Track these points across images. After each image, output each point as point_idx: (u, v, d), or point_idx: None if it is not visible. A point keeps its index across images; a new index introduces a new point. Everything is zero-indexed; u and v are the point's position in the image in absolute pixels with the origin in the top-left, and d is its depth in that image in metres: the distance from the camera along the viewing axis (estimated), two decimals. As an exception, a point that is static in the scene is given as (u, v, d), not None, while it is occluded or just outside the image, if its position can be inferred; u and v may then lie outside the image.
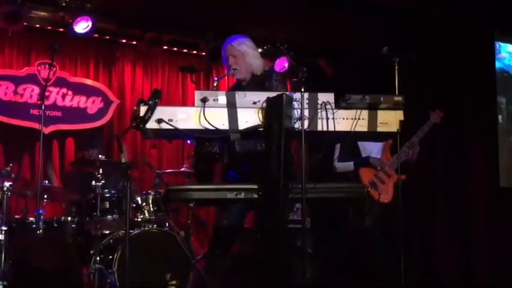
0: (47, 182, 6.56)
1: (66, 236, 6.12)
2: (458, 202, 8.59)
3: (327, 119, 4.07)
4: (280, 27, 8.64)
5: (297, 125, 4.02)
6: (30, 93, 7.91)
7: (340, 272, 3.31)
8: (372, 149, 6.50)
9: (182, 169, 7.27)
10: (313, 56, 9.43)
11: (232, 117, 4.07)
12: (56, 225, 6.27)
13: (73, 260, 2.89)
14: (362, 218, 6.28)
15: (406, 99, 4.26)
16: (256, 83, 4.87)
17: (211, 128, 4.02)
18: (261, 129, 4.06)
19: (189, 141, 5.02)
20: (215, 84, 4.96)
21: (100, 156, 6.53)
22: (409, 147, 6.47)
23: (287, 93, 4.05)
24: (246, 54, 4.92)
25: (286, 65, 9.07)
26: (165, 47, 8.56)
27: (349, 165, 6.50)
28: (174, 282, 5.90)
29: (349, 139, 5.18)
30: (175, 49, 8.87)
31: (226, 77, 5.90)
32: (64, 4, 7.72)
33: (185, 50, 8.91)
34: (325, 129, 4.07)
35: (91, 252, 6.09)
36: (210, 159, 4.84)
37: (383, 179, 6.41)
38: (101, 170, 6.22)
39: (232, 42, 4.98)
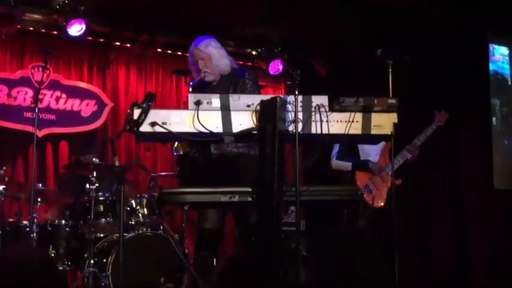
0: (40, 185, 6.55)
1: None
2: (453, 204, 8.61)
3: (321, 121, 4.06)
4: (273, 27, 8.65)
5: (291, 128, 4.01)
6: (23, 96, 7.89)
7: (334, 274, 3.31)
8: (371, 151, 6.49)
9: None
10: (307, 57, 9.44)
11: (226, 120, 4.06)
12: (49, 228, 6.25)
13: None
14: (356, 220, 6.28)
15: (400, 101, 4.26)
16: (226, 82, 4.89)
17: (205, 131, 4.01)
18: (255, 132, 4.05)
19: (175, 153, 4.99)
20: (190, 90, 4.95)
21: (94, 159, 6.52)
22: (409, 150, 6.46)
23: (281, 96, 4.04)
24: (213, 56, 4.93)
25: (281, 68, 9.08)
26: (159, 50, 8.56)
27: (347, 165, 6.49)
28: (168, 285, 5.89)
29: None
30: (169, 51, 8.86)
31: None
32: (58, 7, 7.72)
33: (179, 53, 8.89)
34: (319, 132, 4.06)
35: (85, 255, 6.08)
36: (194, 165, 4.86)
37: (378, 184, 6.40)
38: (94, 173, 6.21)
39: (198, 45, 4.98)
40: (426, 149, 6.70)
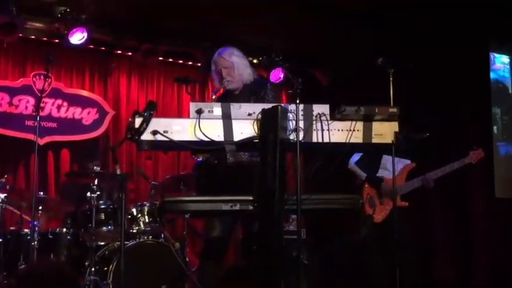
0: (41, 193, 6.55)
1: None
2: (457, 213, 8.60)
3: (322, 130, 4.06)
4: (275, 37, 8.67)
5: (292, 137, 4.01)
6: (25, 104, 7.91)
7: (336, 281, 3.32)
8: (390, 167, 6.45)
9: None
10: (308, 66, 9.47)
11: (228, 129, 4.06)
12: (51, 236, 6.25)
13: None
14: (358, 228, 6.28)
15: (401, 110, 4.27)
16: (248, 92, 4.92)
17: (207, 139, 4.02)
18: (256, 140, 4.05)
19: (196, 158, 5.02)
20: (213, 97, 4.97)
21: (95, 167, 6.53)
22: (423, 181, 6.42)
23: (282, 104, 4.05)
24: (237, 64, 4.97)
25: (282, 76, 9.10)
26: (160, 58, 8.58)
27: (362, 175, 6.51)
28: (169, 293, 5.89)
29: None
30: (170, 60, 8.89)
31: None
32: (59, 15, 7.74)
33: (181, 61, 8.93)
34: (320, 140, 4.07)
35: (86, 263, 6.08)
36: (210, 171, 4.88)
37: (383, 201, 6.38)
38: (96, 181, 6.21)
39: (223, 54, 5.03)
40: (427, 159, 6.67)
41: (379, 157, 6.41)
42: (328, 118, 4.11)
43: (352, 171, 6.58)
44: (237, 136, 4.06)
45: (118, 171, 4.33)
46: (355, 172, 6.55)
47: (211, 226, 4.91)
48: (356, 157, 6.54)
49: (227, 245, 5.00)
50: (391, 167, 6.42)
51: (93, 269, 5.93)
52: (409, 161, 6.44)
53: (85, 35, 7.74)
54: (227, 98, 4.85)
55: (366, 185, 6.45)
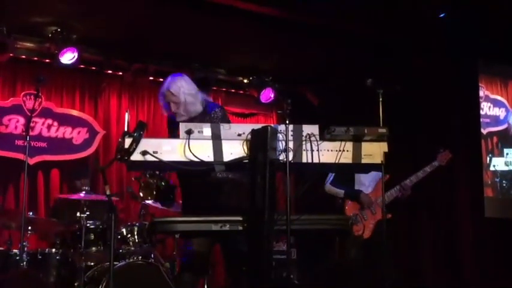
0: (31, 213, 6.52)
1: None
2: (445, 232, 8.62)
3: (312, 150, 4.08)
4: (265, 57, 8.72)
5: (282, 157, 4.02)
6: (15, 123, 7.89)
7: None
8: (366, 180, 6.49)
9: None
10: (299, 86, 9.51)
11: (217, 149, 4.08)
12: (40, 257, 6.21)
13: None
14: (347, 249, 6.29)
15: (390, 130, 4.29)
16: (197, 120, 4.78)
17: (196, 159, 4.02)
18: (246, 160, 4.06)
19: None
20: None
21: (85, 187, 6.52)
22: (400, 190, 6.48)
23: (272, 125, 4.07)
24: (184, 101, 4.84)
25: (272, 96, 9.14)
26: (150, 78, 8.59)
27: (340, 192, 6.51)
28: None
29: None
30: (161, 79, 8.84)
31: None
32: (50, 35, 7.75)
33: (171, 81, 8.93)
34: (309, 161, 4.08)
35: (76, 284, 6.03)
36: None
37: (366, 216, 6.42)
38: (86, 201, 6.20)
39: (171, 88, 4.89)
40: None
41: (352, 173, 6.43)
42: (318, 138, 4.13)
43: (330, 193, 6.57)
44: (227, 156, 4.08)
45: (108, 192, 4.33)
46: (333, 193, 6.55)
47: (190, 241, 4.87)
48: (330, 177, 6.56)
49: (208, 259, 4.96)
50: (366, 181, 6.50)
51: (82, 290, 5.90)
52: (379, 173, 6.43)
53: (75, 54, 7.75)
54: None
55: (347, 205, 6.46)
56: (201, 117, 4.81)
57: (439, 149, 6.70)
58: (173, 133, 4.71)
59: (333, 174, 6.48)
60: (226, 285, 7.69)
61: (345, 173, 6.37)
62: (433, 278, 8.42)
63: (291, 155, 4.03)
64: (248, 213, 4.03)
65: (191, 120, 4.83)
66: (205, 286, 7.31)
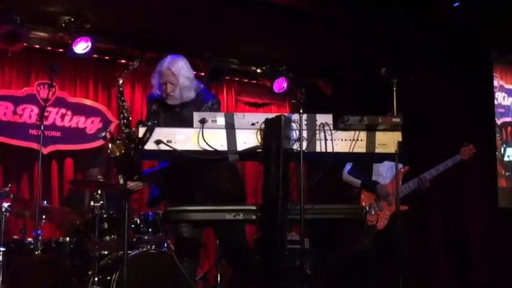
0: (45, 202, 6.55)
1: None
2: (458, 222, 8.60)
3: (325, 140, 4.07)
4: (278, 47, 8.69)
5: (296, 146, 4.02)
6: (29, 113, 7.93)
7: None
8: (383, 171, 6.45)
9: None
10: (311, 76, 9.49)
11: (231, 138, 4.07)
12: (54, 245, 6.24)
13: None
14: (361, 239, 6.27)
15: (407, 120, 4.27)
16: (189, 108, 4.74)
17: (210, 149, 4.02)
18: (260, 150, 4.06)
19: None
20: (154, 107, 4.94)
21: (99, 176, 6.53)
22: (418, 182, 6.42)
23: (285, 114, 4.06)
24: (181, 85, 4.81)
25: (285, 86, 9.12)
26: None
27: (357, 182, 6.48)
28: (172, 303, 5.87)
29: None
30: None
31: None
32: (63, 25, 7.77)
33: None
34: (323, 150, 4.07)
35: (89, 273, 6.06)
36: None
37: (382, 206, 6.38)
38: (99, 190, 6.21)
39: (172, 68, 4.85)
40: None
41: (370, 163, 6.39)
42: (332, 128, 4.12)
43: (347, 182, 6.55)
44: (241, 146, 4.08)
45: (121, 181, 4.34)
46: (351, 182, 6.52)
47: (180, 226, 4.86)
48: (348, 166, 6.53)
49: (199, 244, 5.02)
50: (383, 172, 6.46)
51: (96, 279, 5.91)
52: (401, 165, 6.39)
53: (89, 44, 7.77)
54: (167, 110, 4.82)
55: (363, 195, 6.43)
56: (194, 105, 4.77)
57: (463, 143, 6.60)
58: (151, 116, 4.72)
59: (351, 163, 6.44)
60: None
61: (362, 162, 6.35)
62: (441, 265, 8.44)
63: (304, 145, 4.02)
64: (262, 203, 4.03)
65: (182, 105, 4.82)
66: (218, 277, 7.34)
